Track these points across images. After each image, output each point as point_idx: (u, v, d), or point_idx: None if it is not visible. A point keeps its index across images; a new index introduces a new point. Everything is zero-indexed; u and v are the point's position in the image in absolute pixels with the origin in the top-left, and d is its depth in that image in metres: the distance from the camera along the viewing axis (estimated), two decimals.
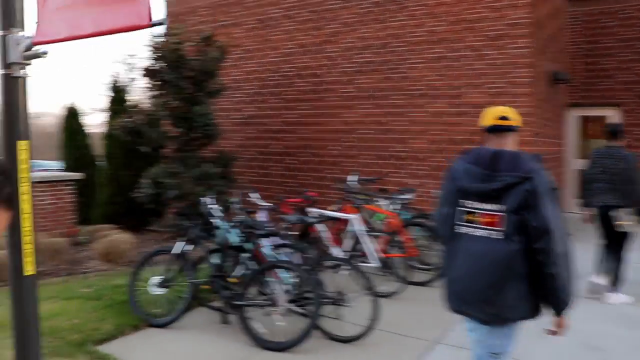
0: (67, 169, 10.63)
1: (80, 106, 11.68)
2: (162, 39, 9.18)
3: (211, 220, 5.52)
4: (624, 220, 5.77)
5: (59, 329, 4.79)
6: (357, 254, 6.36)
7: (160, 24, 1.72)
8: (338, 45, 10.06)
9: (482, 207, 2.70)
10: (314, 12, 10.36)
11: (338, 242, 6.72)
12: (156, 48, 9.07)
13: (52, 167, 18.68)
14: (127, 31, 1.83)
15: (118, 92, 11.18)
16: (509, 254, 2.60)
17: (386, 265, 6.24)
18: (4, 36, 2.15)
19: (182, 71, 8.93)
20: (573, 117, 12.33)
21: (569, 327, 2.80)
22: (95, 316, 5.15)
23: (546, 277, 2.61)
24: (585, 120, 12.38)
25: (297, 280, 5.00)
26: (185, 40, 9.19)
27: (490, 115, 2.91)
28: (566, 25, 11.67)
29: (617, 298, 5.88)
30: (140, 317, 5.09)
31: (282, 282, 5.00)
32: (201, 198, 5.84)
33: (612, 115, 11.90)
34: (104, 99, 10.63)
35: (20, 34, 2.17)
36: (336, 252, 6.48)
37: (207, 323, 5.22)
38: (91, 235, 8.17)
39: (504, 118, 2.86)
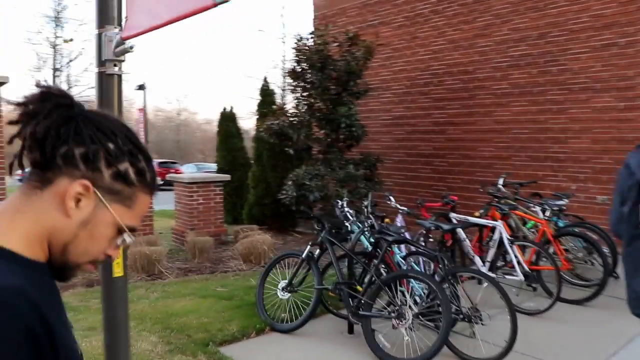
0: (220, 171, 11.18)
1: (235, 110, 12.20)
2: (307, 40, 9.26)
3: (345, 224, 5.36)
4: None
5: (187, 327, 4.93)
6: (501, 265, 5.81)
7: (225, 1, 1.59)
8: (490, 38, 9.40)
9: None
10: (464, 5, 9.79)
11: (481, 251, 6.22)
12: (301, 50, 9.16)
13: (210, 169, 20.00)
14: (196, 14, 1.75)
15: (268, 95, 11.53)
16: None
17: (533, 279, 5.62)
18: (99, 34, 2.14)
19: (327, 72, 8.92)
20: None
21: None
22: (224, 316, 5.23)
23: None
24: None
25: (427, 291, 4.64)
26: (330, 41, 9.17)
27: None
28: None
29: None
30: (266, 321, 5.06)
31: (411, 294, 4.68)
32: (337, 200, 5.70)
33: None
34: (256, 103, 10.91)
35: (114, 30, 2.16)
36: (478, 262, 5.98)
37: (332, 332, 5.05)
38: (236, 235, 8.46)
39: None
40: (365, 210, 5.45)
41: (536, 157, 8.81)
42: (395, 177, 10.95)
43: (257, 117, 11.25)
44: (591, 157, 8.19)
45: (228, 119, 11.94)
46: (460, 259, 6.43)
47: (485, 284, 4.75)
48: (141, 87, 27.22)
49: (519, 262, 5.62)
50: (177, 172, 16.96)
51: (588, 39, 8.21)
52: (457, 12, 9.93)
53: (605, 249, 6.31)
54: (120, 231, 0.99)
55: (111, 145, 0.94)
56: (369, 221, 5.29)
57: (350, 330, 4.99)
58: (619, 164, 8.23)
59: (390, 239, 4.93)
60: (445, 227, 5.10)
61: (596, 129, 8.13)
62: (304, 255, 5.16)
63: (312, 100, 9.23)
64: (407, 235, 5.78)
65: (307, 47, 9.10)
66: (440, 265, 4.74)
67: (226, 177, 9.37)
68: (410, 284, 4.86)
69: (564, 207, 6.54)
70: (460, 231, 6.10)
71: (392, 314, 4.57)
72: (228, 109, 12.01)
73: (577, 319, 5.42)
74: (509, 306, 4.33)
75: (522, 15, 8.95)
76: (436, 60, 10.29)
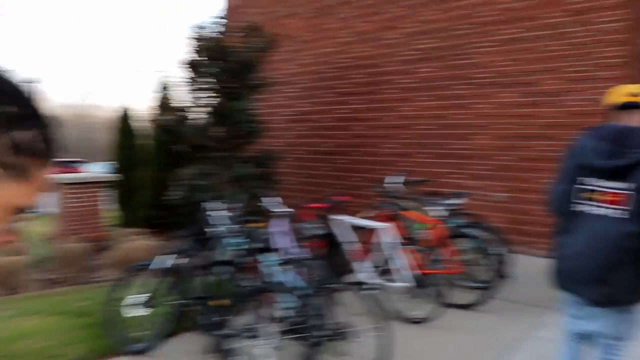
0: (116, 171, 10.33)
1: (136, 106, 11.39)
2: (207, 30, 8.64)
3: (208, 229, 4.77)
4: None
5: (28, 353, 4.23)
6: (387, 270, 5.41)
7: None
8: (399, 31, 9.05)
9: (604, 185, 2.60)
10: None
11: (367, 255, 5.81)
12: (200, 40, 8.54)
13: (95, 170, 18.77)
14: None
15: (167, 90, 10.80)
16: (630, 234, 2.49)
17: (422, 284, 5.24)
18: None
19: (224, 64, 8.32)
20: None
21: None
22: (72, 337, 4.51)
23: None
24: None
25: (296, 306, 4.13)
26: (232, 31, 8.60)
27: (620, 92, 2.86)
28: None
29: None
30: (116, 342, 4.41)
31: (277, 309, 4.18)
32: (202, 202, 5.08)
33: None
34: (154, 98, 10.16)
35: None
36: (360, 268, 5.56)
37: (192, 352, 4.46)
38: (117, 240, 7.71)
39: (635, 94, 2.81)
40: (234, 213, 4.89)
41: (440, 154, 8.53)
42: (296, 175, 10.48)
43: (155, 113, 10.49)
44: (493, 154, 7.97)
45: (124, 116, 11.08)
46: (337, 267, 5.99)
47: (362, 294, 4.31)
48: (31, 82, 25.61)
49: (407, 267, 5.23)
50: (74, 171, 15.65)
51: (494, 33, 7.97)
52: (365, 4, 9.54)
53: (498, 249, 6.04)
54: (11, 212, 0.86)
55: None
56: (237, 226, 4.74)
57: (216, 349, 4.43)
58: (521, 160, 8.13)
59: (255, 246, 4.43)
60: (316, 232, 4.61)
61: (498, 125, 7.91)
62: (161, 266, 4.54)
63: (209, 94, 8.61)
64: (285, 240, 5.29)
65: (206, 37, 8.50)
66: (313, 275, 4.26)
67: (110, 177, 8.61)
68: (280, 298, 4.35)
69: (460, 207, 6.23)
70: (342, 235, 5.67)
71: (254, 332, 4.05)
72: (126, 106, 11.16)
73: (466, 326, 5.08)
74: (384, 318, 3.90)
75: (430, 7, 8.65)
76: (343, 54, 9.88)
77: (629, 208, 2.51)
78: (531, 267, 6.99)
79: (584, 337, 2.87)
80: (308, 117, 10.41)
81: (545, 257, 7.46)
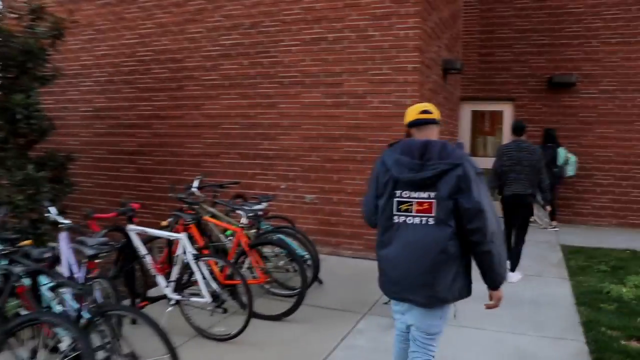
0: None
1: None
2: None
3: None
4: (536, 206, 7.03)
5: None
6: (187, 283, 4.84)
7: None
8: (202, 24, 8.47)
9: (415, 196, 2.80)
10: None
11: (167, 268, 5.19)
12: None
13: None
14: None
15: None
16: (444, 237, 2.73)
17: (225, 297, 4.75)
18: None
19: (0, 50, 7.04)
20: (466, 112, 11.42)
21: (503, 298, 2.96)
22: None
23: (483, 255, 2.78)
24: (478, 115, 11.51)
25: (73, 336, 3.37)
26: (11, 11, 7.32)
27: (413, 111, 3.04)
28: (461, 12, 10.70)
29: (515, 277, 6.50)
30: None
31: (53, 340, 3.41)
32: None
33: (504, 110, 11.14)
34: None
35: None
36: (162, 282, 4.94)
37: None
38: None
39: (425, 112, 3.01)
40: None
41: (246, 154, 8.15)
42: (96, 177, 9.43)
43: None
44: (300, 155, 7.80)
45: None
46: (146, 280, 5.31)
47: (165, 310, 3.70)
48: None
49: (208, 279, 4.71)
50: None
51: (299, 32, 7.78)
52: None
53: (308, 254, 5.81)
54: None
55: None
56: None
57: None
58: (327, 161, 8.05)
59: (19, 269, 3.60)
60: (103, 246, 3.89)
61: (305, 125, 7.75)
62: None
63: None
64: (67, 259, 4.46)
65: None
66: (95, 298, 3.54)
67: None
68: (55, 328, 3.57)
69: (266, 210, 5.88)
70: (140, 247, 4.99)
71: None
72: None
73: (274, 338, 4.70)
74: (168, 347, 3.33)
75: (233, 1, 8.21)
76: (143, 46, 9.04)
77: (436, 215, 2.75)
78: (343, 269, 6.93)
79: (407, 332, 3.13)
80: (108, 114, 9.37)
81: (355, 257, 7.55)
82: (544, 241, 8.84)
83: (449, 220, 2.73)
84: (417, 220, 2.79)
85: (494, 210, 2.79)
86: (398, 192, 2.84)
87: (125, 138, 9.22)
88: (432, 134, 2.99)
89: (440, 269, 2.75)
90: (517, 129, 6.60)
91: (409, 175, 2.78)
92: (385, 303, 5.33)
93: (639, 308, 5.56)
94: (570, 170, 9.93)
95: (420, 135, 2.97)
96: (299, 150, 7.77)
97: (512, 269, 6.48)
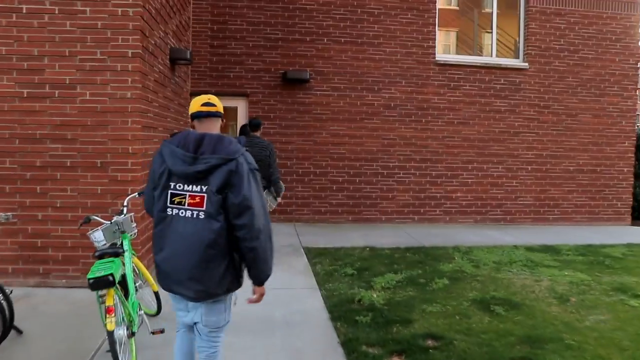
0: None
1: None
2: None
3: None
4: (269, 199, 7.34)
5: None
6: None
7: None
8: None
9: (188, 189, 2.77)
10: None
11: None
12: None
13: None
14: None
15: None
16: (213, 232, 2.71)
17: None
18: None
19: None
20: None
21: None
22: None
23: (248, 251, 2.77)
24: None
25: None
26: None
27: (196, 103, 2.99)
28: None
29: None
30: None
31: None
32: None
33: (238, 106, 10.58)
34: None
35: None
36: None
37: None
38: None
39: (208, 104, 2.98)
40: None
41: None
42: None
43: None
44: None
45: None
46: None
47: None
48: None
49: None
50: None
51: None
52: None
53: None
54: None
55: None
56: None
57: None
58: (26, 169, 6.12)
59: None
60: None
61: None
62: None
63: None
64: None
65: None
66: None
67: None
68: None
69: None
70: None
71: None
72: None
73: None
74: None
75: None
76: None
77: (206, 209, 2.73)
78: (54, 305, 5.44)
79: (191, 328, 3.13)
80: None
81: (71, 287, 6.08)
82: (288, 244, 8.43)
83: (218, 215, 2.73)
84: (188, 213, 2.77)
85: (265, 207, 2.84)
86: (172, 185, 2.81)
87: None
88: (213, 127, 3.00)
89: (209, 263, 2.74)
90: (254, 126, 7.49)
91: (182, 168, 2.76)
92: (108, 351, 4.14)
93: (392, 315, 5.31)
94: None
95: (202, 127, 2.97)
96: None
97: None
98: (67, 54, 5.94)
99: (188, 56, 7.97)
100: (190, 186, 2.76)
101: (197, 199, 2.74)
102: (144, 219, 6.29)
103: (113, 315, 3.46)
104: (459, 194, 11.16)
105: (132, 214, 4.77)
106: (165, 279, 2.89)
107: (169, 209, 2.81)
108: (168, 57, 7.60)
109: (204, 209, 2.72)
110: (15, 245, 6.03)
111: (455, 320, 5.23)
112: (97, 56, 5.95)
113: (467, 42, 11.92)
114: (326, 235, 9.38)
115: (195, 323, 3.01)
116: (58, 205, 6.01)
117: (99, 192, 6.01)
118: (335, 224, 10.55)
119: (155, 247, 2.91)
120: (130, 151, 6.01)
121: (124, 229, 4.50)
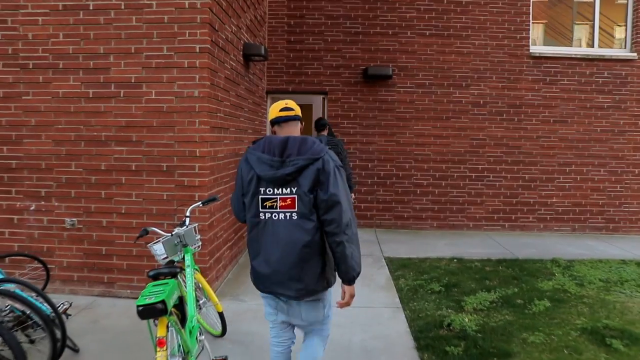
0: None
1: None
2: None
3: None
4: None
5: None
6: None
7: None
8: None
9: (278, 192, 2.82)
10: None
11: None
12: None
13: None
14: None
15: None
16: (308, 231, 2.78)
17: None
18: None
19: None
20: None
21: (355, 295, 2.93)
22: None
23: (336, 245, 2.79)
24: None
25: None
26: None
27: (275, 109, 3.04)
28: None
29: None
30: None
31: None
32: None
33: (313, 104, 10.05)
34: None
35: None
36: None
37: None
38: None
39: (285, 109, 3.02)
40: None
41: None
42: None
43: None
44: (54, 165, 5.74)
45: None
46: None
47: None
48: None
49: None
50: None
51: None
52: None
53: (49, 308, 3.93)
54: None
55: None
56: None
57: None
58: (91, 173, 5.32)
59: None
60: None
61: (59, 124, 5.72)
62: None
63: None
64: None
65: None
66: None
67: None
68: None
69: None
70: None
71: None
72: None
73: None
74: None
75: None
76: None
77: (299, 210, 2.79)
78: (116, 318, 5.09)
79: (289, 325, 3.21)
80: None
81: (135, 297, 5.74)
82: (368, 254, 7.79)
83: (311, 214, 2.79)
84: (281, 216, 2.83)
85: (350, 202, 2.90)
86: (262, 190, 2.86)
87: None
88: (294, 130, 3.05)
89: (306, 262, 2.81)
90: (320, 126, 7.51)
91: (270, 173, 2.81)
92: None
93: (487, 345, 4.55)
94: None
95: (282, 132, 3.03)
96: (52, 158, 5.74)
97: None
98: (132, 51, 5.59)
99: (263, 52, 7.50)
100: (280, 189, 2.82)
101: (289, 201, 2.81)
102: (212, 227, 5.86)
103: (164, 348, 2.97)
104: (554, 200, 10.10)
105: (196, 224, 4.33)
106: (265, 282, 2.93)
107: (261, 214, 2.87)
108: (241, 53, 7.17)
109: (296, 209, 2.80)
110: (80, 252, 5.77)
111: (564, 356, 4.42)
112: (163, 52, 5.57)
113: (563, 33, 10.79)
114: (409, 243, 8.67)
115: (292, 322, 3.13)
116: (123, 211, 5.68)
117: (164, 198, 5.63)
118: (419, 230, 9.82)
119: (252, 251, 2.97)
120: (198, 154, 5.59)
121: (185, 242, 4.07)
